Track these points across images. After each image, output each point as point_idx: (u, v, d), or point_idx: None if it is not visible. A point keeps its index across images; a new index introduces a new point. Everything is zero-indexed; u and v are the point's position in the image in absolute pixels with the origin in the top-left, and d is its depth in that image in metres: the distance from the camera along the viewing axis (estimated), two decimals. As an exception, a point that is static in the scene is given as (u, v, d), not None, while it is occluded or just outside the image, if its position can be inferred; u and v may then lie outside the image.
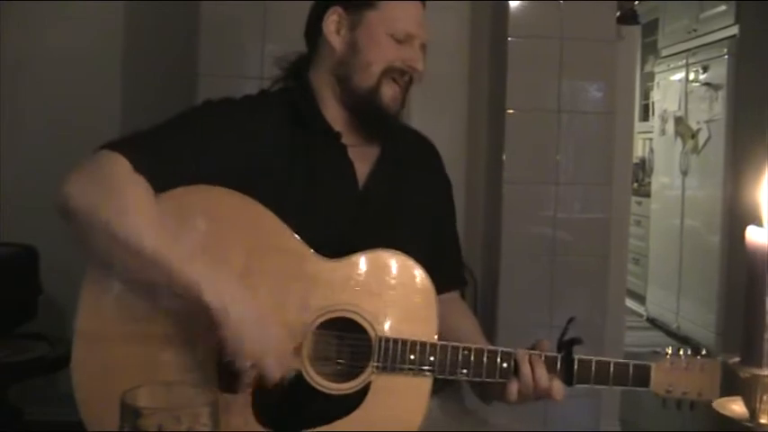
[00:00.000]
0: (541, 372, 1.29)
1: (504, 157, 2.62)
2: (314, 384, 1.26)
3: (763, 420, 0.89)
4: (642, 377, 1.29)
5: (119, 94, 3.03)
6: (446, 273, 1.38)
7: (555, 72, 2.62)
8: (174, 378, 1.23)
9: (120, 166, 1.22)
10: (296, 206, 1.31)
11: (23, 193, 2.82)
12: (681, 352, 1.29)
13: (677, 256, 5.17)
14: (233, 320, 1.18)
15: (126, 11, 3.04)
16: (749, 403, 0.90)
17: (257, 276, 1.26)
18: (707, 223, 4.77)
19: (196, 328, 1.23)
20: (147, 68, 3.02)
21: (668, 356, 1.29)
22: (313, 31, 1.44)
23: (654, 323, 5.51)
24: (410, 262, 1.32)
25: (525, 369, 1.29)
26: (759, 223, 0.89)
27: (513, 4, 2.61)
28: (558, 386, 1.30)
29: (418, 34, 1.40)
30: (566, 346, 1.31)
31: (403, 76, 1.41)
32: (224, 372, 1.24)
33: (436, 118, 2.75)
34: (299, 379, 1.26)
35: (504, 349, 1.31)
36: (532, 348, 1.32)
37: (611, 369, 1.29)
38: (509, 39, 2.62)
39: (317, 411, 1.27)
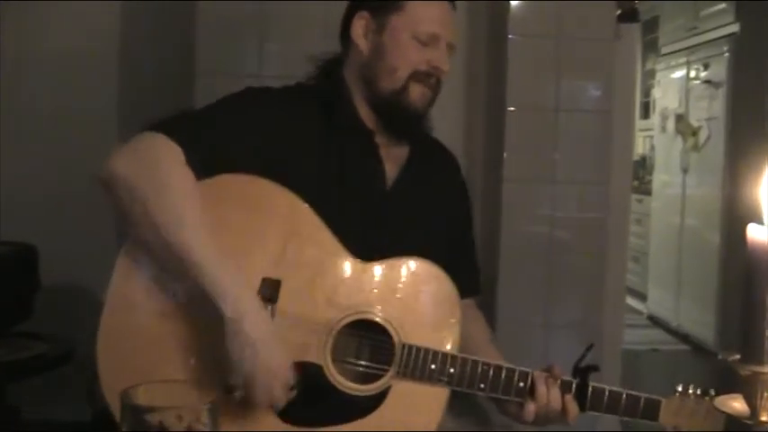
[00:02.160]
0: (556, 394, 1.30)
1: (504, 156, 2.62)
2: (334, 382, 1.27)
3: (763, 418, 0.89)
4: (651, 412, 1.31)
5: (116, 92, 3.02)
6: (463, 279, 1.38)
7: (554, 70, 2.61)
8: (187, 365, 1.24)
9: (169, 149, 1.24)
10: (324, 201, 1.31)
11: (22, 192, 2.81)
12: (690, 392, 1.30)
13: (677, 254, 5.17)
14: (242, 335, 1.18)
15: (123, 10, 3.03)
16: (750, 401, 0.89)
17: (290, 266, 1.27)
18: (707, 221, 4.77)
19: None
20: (145, 67, 3.01)
21: (678, 395, 1.31)
22: (344, 32, 1.46)
23: (654, 321, 5.51)
24: (440, 272, 1.33)
25: (541, 389, 1.30)
26: (759, 221, 0.88)
27: (513, 3, 2.60)
28: (572, 406, 1.31)
29: (443, 34, 1.41)
30: (581, 373, 1.32)
31: (429, 78, 1.42)
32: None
33: (433, 116, 2.74)
34: (319, 375, 1.26)
35: (522, 369, 1.32)
36: (546, 371, 1.33)
37: (623, 400, 1.31)
38: (509, 37, 2.61)
39: (334, 409, 1.28)
